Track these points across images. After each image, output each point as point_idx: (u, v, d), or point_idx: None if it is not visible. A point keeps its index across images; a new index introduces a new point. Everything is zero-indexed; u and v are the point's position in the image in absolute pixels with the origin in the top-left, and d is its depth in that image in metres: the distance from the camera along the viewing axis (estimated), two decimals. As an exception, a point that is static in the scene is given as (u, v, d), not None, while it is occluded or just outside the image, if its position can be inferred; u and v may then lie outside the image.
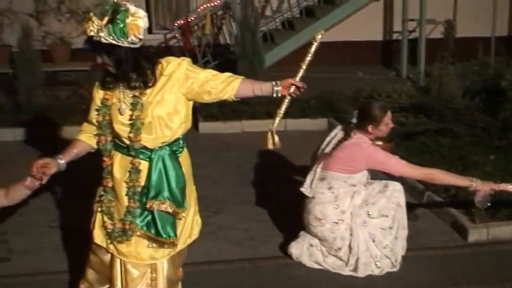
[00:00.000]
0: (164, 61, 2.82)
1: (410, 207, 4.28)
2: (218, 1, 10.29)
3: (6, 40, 9.81)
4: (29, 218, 4.74)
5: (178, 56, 2.91)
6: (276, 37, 10.48)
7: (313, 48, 2.95)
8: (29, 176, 2.80)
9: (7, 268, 3.98)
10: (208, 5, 10.30)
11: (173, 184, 2.84)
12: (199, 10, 10.49)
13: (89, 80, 8.96)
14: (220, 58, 10.10)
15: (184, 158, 2.99)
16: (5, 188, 2.96)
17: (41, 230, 4.63)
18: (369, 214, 3.88)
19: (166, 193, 2.83)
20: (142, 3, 10.90)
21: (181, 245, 3.00)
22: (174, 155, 2.87)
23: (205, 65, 9.65)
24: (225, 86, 2.83)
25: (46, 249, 4.34)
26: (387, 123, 3.88)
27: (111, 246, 2.93)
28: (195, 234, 3.12)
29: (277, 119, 2.99)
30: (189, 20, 10.24)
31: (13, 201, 2.96)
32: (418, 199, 5.06)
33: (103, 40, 2.59)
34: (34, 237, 4.51)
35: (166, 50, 10.99)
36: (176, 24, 10.58)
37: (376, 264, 3.88)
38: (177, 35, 10.89)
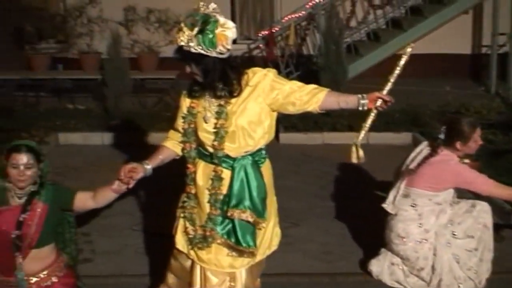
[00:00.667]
0: (250, 71, 2.84)
1: (496, 228, 4.09)
2: (303, 12, 10.30)
3: (96, 47, 10.22)
4: (113, 220, 4.90)
5: (261, 66, 2.92)
6: (361, 48, 10.35)
7: (402, 61, 2.87)
8: (116, 180, 2.88)
9: (90, 268, 4.10)
10: (293, 16, 10.32)
11: (255, 194, 2.85)
12: (283, 21, 10.54)
13: (175, 88, 9.23)
14: (302, 69, 10.09)
15: (266, 168, 2.99)
16: (93, 191, 3.07)
17: (124, 232, 4.77)
18: (454, 235, 3.73)
19: (247, 203, 2.83)
20: (227, 14, 11.11)
21: (260, 256, 3.00)
22: (256, 165, 2.87)
23: (287, 76, 9.68)
24: (310, 97, 2.81)
25: (128, 252, 4.47)
26: (476, 140, 3.73)
27: (192, 252, 2.97)
28: (274, 245, 3.11)
29: (362, 133, 2.93)
30: (273, 30, 10.31)
31: (100, 204, 3.07)
32: (505, 220, 4.83)
33: (193, 50, 2.64)
34: (117, 239, 4.65)
35: (250, 60, 11.14)
36: (260, 35, 10.68)
37: (459, 286, 3.73)
38: (260, 45, 11.00)
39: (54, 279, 3.02)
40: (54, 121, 7.84)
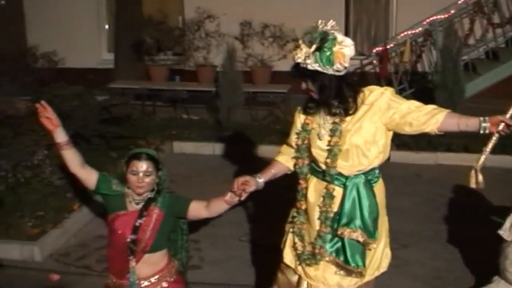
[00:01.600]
0: (366, 89, 2.80)
1: None
2: (419, 29, 10.05)
3: (212, 60, 10.54)
4: (221, 230, 5.00)
5: (374, 82, 2.87)
6: (479, 67, 9.91)
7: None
8: (229, 191, 2.94)
9: (198, 276, 4.19)
10: (409, 32, 10.10)
11: (366, 214, 2.79)
12: (398, 37, 10.33)
13: (285, 102, 9.32)
14: (416, 86, 9.82)
15: (379, 188, 2.93)
16: (206, 201, 3.15)
17: (232, 243, 4.85)
18: None
19: (358, 222, 2.79)
20: (341, 29, 11.05)
21: (368, 276, 2.93)
22: (368, 184, 2.82)
23: (400, 93, 9.46)
24: (428, 118, 2.72)
25: (235, 262, 4.54)
26: None
27: (299, 268, 2.96)
28: (384, 267, 3.03)
29: (483, 158, 2.80)
30: (388, 46, 10.13)
31: (213, 213, 3.13)
32: None
33: (309, 67, 2.64)
34: (225, 249, 4.74)
35: (362, 76, 11.01)
36: (374, 51, 10.54)
37: None
38: (374, 61, 10.84)
39: (165, 284, 3.10)
40: (169, 130, 8.17)
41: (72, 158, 3.09)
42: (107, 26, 13.16)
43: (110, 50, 12.75)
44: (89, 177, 3.13)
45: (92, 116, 6.82)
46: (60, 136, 3.04)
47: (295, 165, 2.99)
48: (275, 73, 9.97)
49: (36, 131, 5.62)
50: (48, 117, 2.99)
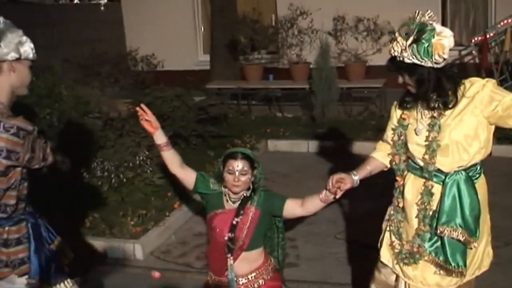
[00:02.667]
0: (467, 82, 2.67)
1: None
2: (521, 16, 9.53)
3: (306, 57, 10.51)
4: (317, 227, 4.98)
5: (474, 73, 2.73)
6: None
7: None
8: (324, 189, 2.91)
9: (294, 273, 4.21)
10: (509, 20, 9.58)
11: (467, 211, 2.68)
12: (498, 26, 9.82)
13: (381, 97, 9.12)
14: (520, 77, 9.32)
15: (481, 184, 2.79)
16: (301, 199, 3.14)
17: (328, 240, 4.82)
18: None
19: (458, 220, 2.68)
20: (438, 20, 10.67)
21: (469, 276, 2.81)
22: (470, 181, 2.70)
23: (501, 84, 9.00)
24: None
25: (331, 259, 4.51)
26: None
27: (397, 267, 2.89)
28: (485, 266, 2.90)
29: None
30: (488, 36, 9.66)
31: (309, 212, 3.12)
32: None
33: (406, 60, 2.56)
34: (321, 246, 4.72)
35: (461, 67, 10.57)
36: (473, 41, 10.10)
37: None
38: (473, 51, 10.39)
39: (261, 282, 3.13)
40: (264, 128, 8.24)
41: (172, 159, 3.19)
42: (202, 28, 13.48)
43: (206, 52, 13.07)
44: (188, 177, 3.22)
45: (191, 117, 7.02)
46: (160, 138, 3.14)
47: (391, 161, 2.91)
48: (369, 67, 9.80)
49: (138, 132, 5.84)
50: (148, 119, 3.10)
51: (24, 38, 2.44)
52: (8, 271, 2.47)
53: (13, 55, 2.39)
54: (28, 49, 2.44)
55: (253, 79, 10.63)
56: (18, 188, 2.43)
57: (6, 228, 2.44)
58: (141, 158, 5.57)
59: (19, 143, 2.30)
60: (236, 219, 3.10)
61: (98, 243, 4.66)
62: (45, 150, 2.43)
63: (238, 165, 3.07)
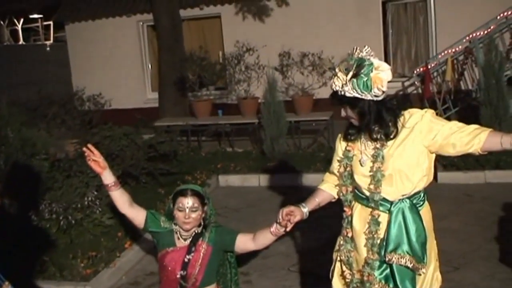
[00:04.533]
0: (406, 112, 2.78)
1: None
2: (460, 46, 9.95)
3: (254, 92, 10.66)
4: (270, 261, 5.00)
5: (417, 104, 2.85)
6: (524, 81, 9.69)
7: None
8: (275, 222, 2.95)
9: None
10: (450, 51, 10.00)
11: (413, 238, 2.76)
12: (439, 56, 10.24)
13: (328, 129, 9.30)
14: (461, 105, 9.67)
15: (426, 211, 2.88)
16: (253, 233, 3.17)
17: (282, 273, 4.83)
18: None
19: (405, 247, 2.75)
20: (380, 52, 11.05)
21: (420, 302, 2.88)
22: (414, 208, 2.79)
23: (444, 112, 9.33)
24: (471, 139, 2.68)
25: (286, 293, 4.52)
26: None
27: (349, 296, 2.94)
28: (435, 291, 2.97)
29: None
30: (429, 66, 10.04)
31: (260, 246, 3.15)
32: None
33: (347, 94, 2.65)
34: (275, 279, 4.73)
35: (404, 98, 10.92)
36: (415, 72, 10.46)
37: None
38: (416, 82, 10.76)
39: (217, 318, 3.13)
40: (215, 163, 8.26)
41: (120, 199, 3.17)
42: (150, 66, 13.51)
43: (154, 89, 13.09)
44: (138, 215, 3.20)
45: (140, 155, 6.98)
46: (108, 178, 3.13)
47: (339, 192, 2.99)
48: (316, 100, 10.00)
49: (86, 173, 5.77)
50: (96, 160, 3.08)
51: None
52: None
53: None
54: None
55: (202, 115, 10.67)
56: None
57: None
58: (89, 198, 5.49)
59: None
60: (188, 256, 3.10)
61: (48, 286, 4.53)
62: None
63: (188, 202, 3.08)
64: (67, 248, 5.10)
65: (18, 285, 2.70)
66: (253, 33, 11.44)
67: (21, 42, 23.56)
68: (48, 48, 17.50)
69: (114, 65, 13.12)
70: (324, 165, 7.18)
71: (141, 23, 13.33)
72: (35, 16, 23.75)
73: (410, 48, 11.87)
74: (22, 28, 24.11)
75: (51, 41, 21.95)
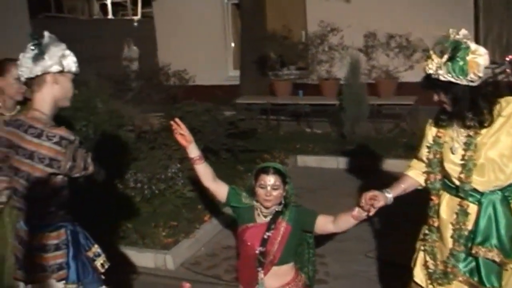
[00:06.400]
0: (503, 100, 2.65)
1: None
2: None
3: (336, 74, 10.53)
4: (346, 245, 4.94)
5: (507, 92, 2.71)
6: None
7: None
8: (357, 206, 2.91)
9: (323, 290, 4.19)
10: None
11: (503, 232, 2.65)
12: (534, 43, 9.72)
13: (412, 114, 9.06)
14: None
15: (517, 205, 2.76)
16: (333, 215, 3.14)
17: (357, 258, 4.78)
18: None
19: (494, 241, 2.65)
20: (471, 37, 10.59)
21: (503, 297, 2.77)
22: (506, 201, 2.67)
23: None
24: None
25: (360, 278, 4.47)
26: None
27: (430, 287, 2.86)
28: (520, 288, 2.85)
29: None
30: (521, 53, 9.56)
31: (340, 229, 3.12)
32: None
33: (442, 78, 2.56)
34: (350, 264, 4.69)
35: (494, 85, 10.45)
36: (507, 59, 9.99)
37: None
38: (507, 69, 10.27)
39: (292, 297, 3.14)
40: (293, 143, 8.25)
41: (205, 172, 3.23)
42: (233, 44, 13.61)
43: (235, 67, 13.18)
44: (220, 190, 3.25)
45: (221, 131, 7.06)
46: (193, 151, 3.19)
47: (426, 180, 2.90)
48: (401, 84, 9.76)
49: (169, 145, 5.91)
50: (182, 133, 3.15)
51: (67, 52, 2.51)
52: (46, 275, 2.52)
53: (56, 68, 2.47)
54: (71, 62, 2.51)
55: (282, 95, 10.66)
56: (59, 195, 2.50)
57: (46, 234, 2.51)
58: (172, 170, 5.63)
59: (61, 152, 2.37)
60: (267, 233, 3.11)
61: (131, 253, 4.72)
62: (86, 160, 2.50)
63: (270, 179, 3.09)
64: (149, 217, 5.26)
65: (102, 250, 2.81)
66: (338, 13, 11.21)
67: (109, 16, 24.33)
68: (135, 23, 17.98)
69: (198, 42, 13.30)
70: (406, 151, 7.02)
71: (226, 1, 13.43)
72: (125, -9, 24.45)
73: (501, 33, 11.33)
74: (111, 3, 24.87)
75: (139, 16, 22.52)
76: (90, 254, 2.68)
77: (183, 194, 5.60)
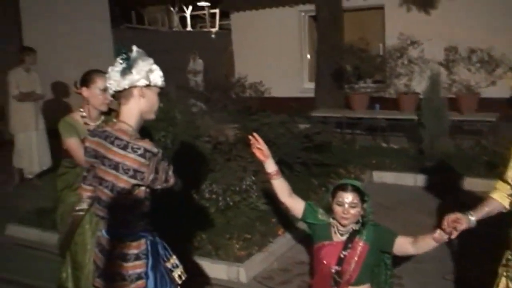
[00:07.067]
0: None
1: None
2: None
3: (414, 88, 10.30)
4: (424, 266, 4.78)
5: None
6: None
7: None
8: (438, 228, 2.82)
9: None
10: None
11: None
12: None
13: (494, 131, 8.72)
14: None
15: None
16: (412, 236, 3.06)
17: (435, 280, 4.61)
18: None
19: None
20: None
21: None
22: None
23: None
24: None
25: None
26: None
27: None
28: None
29: None
30: None
31: (420, 251, 3.04)
32: None
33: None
34: (427, 286, 4.54)
35: None
36: None
37: None
38: None
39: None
40: (369, 158, 8.11)
41: (281, 187, 3.23)
42: (308, 56, 13.61)
43: (311, 79, 13.17)
44: (296, 206, 3.24)
45: (295, 144, 7.04)
46: (271, 166, 3.20)
47: (511, 203, 2.77)
48: (482, 100, 9.42)
49: (244, 157, 5.95)
50: (260, 148, 3.16)
51: (154, 66, 2.58)
52: (125, 284, 2.58)
53: (143, 82, 2.54)
54: (157, 76, 2.58)
55: (358, 108, 10.53)
56: (141, 206, 2.56)
57: (127, 243, 2.57)
58: (247, 183, 5.67)
59: (145, 164, 2.43)
60: (344, 252, 3.07)
61: (204, 263, 4.76)
62: (167, 172, 2.55)
63: (348, 197, 3.06)
64: (223, 228, 5.30)
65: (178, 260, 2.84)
66: (418, 26, 11.00)
67: (188, 28, 24.96)
68: (213, 35, 18.35)
69: (274, 54, 13.40)
70: (486, 170, 6.75)
71: (303, 13, 13.47)
72: (203, 4, 25.02)
73: None
74: (190, 15, 25.52)
75: (216, 28, 22.95)
76: (168, 265, 2.72)
77: (257, 207, 5.62)
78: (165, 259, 2.72)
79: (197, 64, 15.24)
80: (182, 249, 4.72)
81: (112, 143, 2.50)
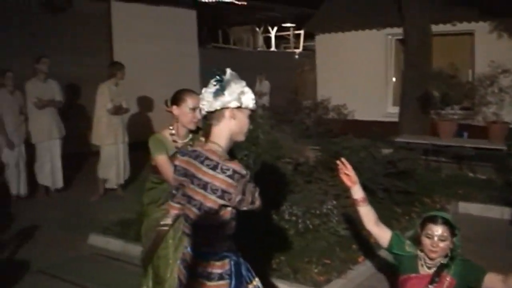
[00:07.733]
0: None
1: None
2: None
3: (504, 117, 9.89)
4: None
5: None
6: None
7: None
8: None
9: None
10: None
11: None
12: None
13: None
14: None
15: None
16: (503, 274, 2.91)
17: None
18: None
19: None
20: None
21: None
22: None
23: None
24: None
25: None
26: None
27: None
28: None
29: None
30: None
31: (511, 288, 2.89)
32: None
33: None
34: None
35: None
36: None
37: None
38: None
39: None
40: (454, 188, 7.82)
41: (368, 215, 3.17)
42: (394, 79, 13.39)
43: (395, 103, 12.93)
44: (383, 235, 3.17)
45: (378, 169, 6.90)
46: (358, 192, 3.15)
47: None
48: None
49: (325, 180, 5.89)
50: (348, 174, 3.12)
51: (246, 89, 2.61)
52: (208, 303, 2.59)
53: (234, 104, 2.57)
54: (249, 99, 2.60)
55: (445, 135, 10.21)
56: (227, 226, 2.57)
57: (211, 263, 2.59)
58: (328, 206, 5.60)
59: (233, 185, 2.44)
60: (430, 286, 2.97)
61: (282, 286, 4.72)
62: (254, 194, 2.55)
63: (438, 230, 2.96)
64: (302, 251, 5.24)
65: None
66: (509, 53, 10.60)
67: (272, 48, 25.24)
68: (296, 56, 18.44)
69: (358, 76, 13.28)
70: None
71: (390, 37, 13.29)
72: (288, 25, 25.25)
73: None
74: (275, 36, 25.82)
75: (300, 49, 23.09)
76: (251, 286, 2.72)
77: (336, 232, 5.53)
78: (248, 280, 2.72)
79: (263, 85, 15.30)
80: (260, 269, 4.72)
81: (202, 162, 2.53)
